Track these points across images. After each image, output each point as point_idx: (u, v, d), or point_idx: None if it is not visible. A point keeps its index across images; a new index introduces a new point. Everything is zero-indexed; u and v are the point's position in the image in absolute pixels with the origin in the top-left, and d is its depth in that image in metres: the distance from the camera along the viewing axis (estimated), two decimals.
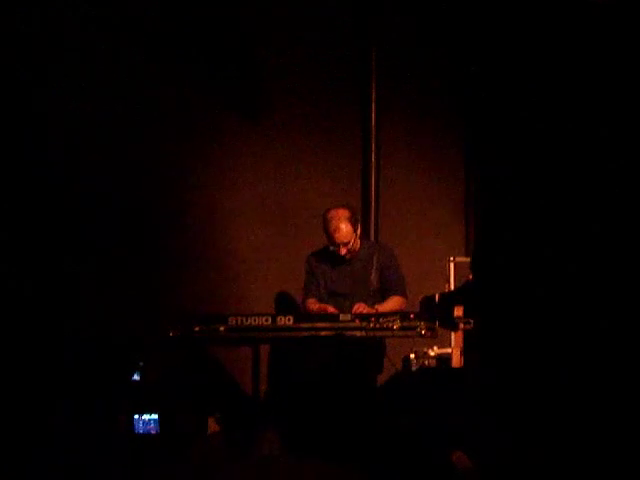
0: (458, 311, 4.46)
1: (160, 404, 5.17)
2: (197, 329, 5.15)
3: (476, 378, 3.98)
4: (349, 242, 5.36)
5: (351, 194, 6.30)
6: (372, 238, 6.22)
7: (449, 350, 5.34)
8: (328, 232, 5.36)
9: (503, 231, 3.92)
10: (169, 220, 6.30)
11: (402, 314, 5.06)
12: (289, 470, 4.40)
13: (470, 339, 4.69)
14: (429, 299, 4.47)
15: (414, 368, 5.48)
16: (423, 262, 6.14)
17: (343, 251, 5.37)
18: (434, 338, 5.13)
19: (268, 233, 6.39)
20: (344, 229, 5.33)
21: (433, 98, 6.42)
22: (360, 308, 5.23)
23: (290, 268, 6.04)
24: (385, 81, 6.44)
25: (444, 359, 5.40)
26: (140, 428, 5.06)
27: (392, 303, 5.37)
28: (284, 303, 6.10)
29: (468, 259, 5.21)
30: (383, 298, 5.42)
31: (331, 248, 5.40)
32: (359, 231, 5.46)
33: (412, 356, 5.55)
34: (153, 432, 5.08)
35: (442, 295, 4.58)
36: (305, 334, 5.04)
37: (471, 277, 4.38)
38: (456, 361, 4.99)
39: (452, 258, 5.90)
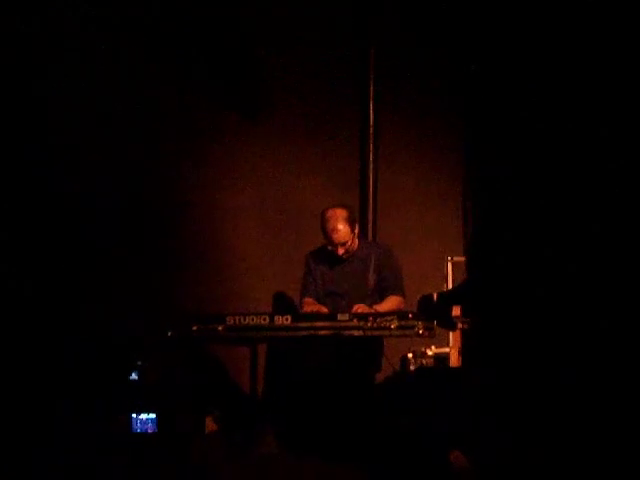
0: (456, 311, 4.45)
1: (158, 403, 5.18)
2: (195, 329, 5.16)
3: (475, 378, 3.98)
4: (347, 242, 5.36)
5: (350, 194, 6.29)
6: (370, 238, 6.21)
7: (447, 349, 5.35)
8: (326, 232, 5.37)
9: (503, 231, 3.91)
10: (169, 220, 6.30)
11: (400, 313, 5.06)
12: (287, 469, 4.40)
13: (468, 338, 4.69)
14: (427, 298, 4.46)
15: (412, 367, 5.49)
16: (421, 262, 6.13)
17: (341, 251, 5.37)
18: (432, 337, 5.13)
19: (267, 233, 6.39)
20: (342, 229, 5.34)
21: (433, 98, 6.40)
22: (360, 309, 5.23)
23: (289, 268, 6.04)
24: (384, 81, 6.43)
25: (442, 358, 5.41)
26: (138, 427, 5.07)
27: (390, 303, 5.37)
28: (283, 303, 6.11)
29: None
30: (381, 298, 5.42)
31: (329, 248, 5.40)
32: (357, 231, 5.46)
33: (410, 355, 5.55)
34: (151, 431, 5.09)
35: (440, 294, 4.57)
36: (303, 334, 5.05)
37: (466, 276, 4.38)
38: (454, 360, 4.99)
39: (450, 258, 5.89)
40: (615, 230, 3.81)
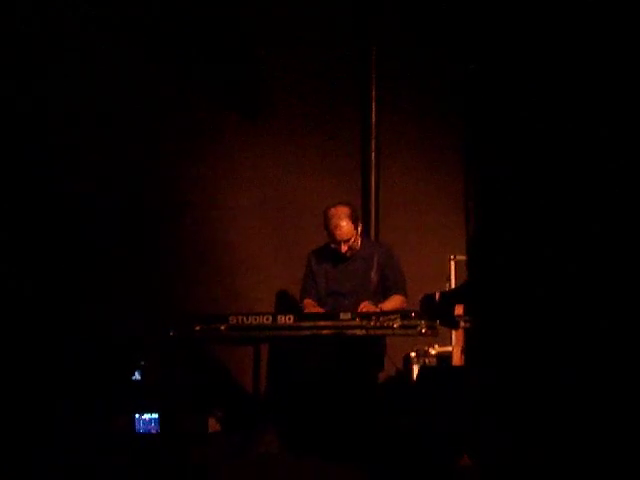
0: (459, 310, 4.45)
1: (161, 403, 5.18)
2: (198, 328, 5.16)
3: (476, 377, 3.98)
4: (350, 239, 5.37)
5: (351, 193, 6.29)
6: (372, 237, 6.21)
7: (450, 348, 5.34)
8: (329, 229, 5.37)
9: (503, 231, 3.91)
10: (169, 220, 6.30)
11: (403, 313, 5.06)
12: (289, 469, 4.41)
13: (471, 338, 4.69)
14: (429, 298, 4.46)
15: (415, 366, 5.49)
16: (423, 261, 6.13)
17: (344, 248, 5.37)
18: (435, 337, 5.14)
19: (268, 232, 6.38)
20: (345, 226, 5.34)
21: (433, 98, 6.41)
22: (366, 307, 5.23)
23: (291, 267, 6.04)
24: (385, 81, 6.43)
25: (445, 358, 5.41)
26: (141, 427, 5.07)
27: (393, 302, 5.37)
28: (285, 302, 6.10)
29: None
30: (383, 297, 5.43)
31: (332, 246, 5.41)
32: (360, 229, 5.47)
33: (413, 355, 5.56)
34: (154, 431, 5.09)
35: (443, 293, 4.56)
36: (306, 333, 5.05)
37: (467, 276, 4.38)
38: (457, 359, 4.98)
39: (453, 257, 5.90)
40: (615, 230, 3.81)
